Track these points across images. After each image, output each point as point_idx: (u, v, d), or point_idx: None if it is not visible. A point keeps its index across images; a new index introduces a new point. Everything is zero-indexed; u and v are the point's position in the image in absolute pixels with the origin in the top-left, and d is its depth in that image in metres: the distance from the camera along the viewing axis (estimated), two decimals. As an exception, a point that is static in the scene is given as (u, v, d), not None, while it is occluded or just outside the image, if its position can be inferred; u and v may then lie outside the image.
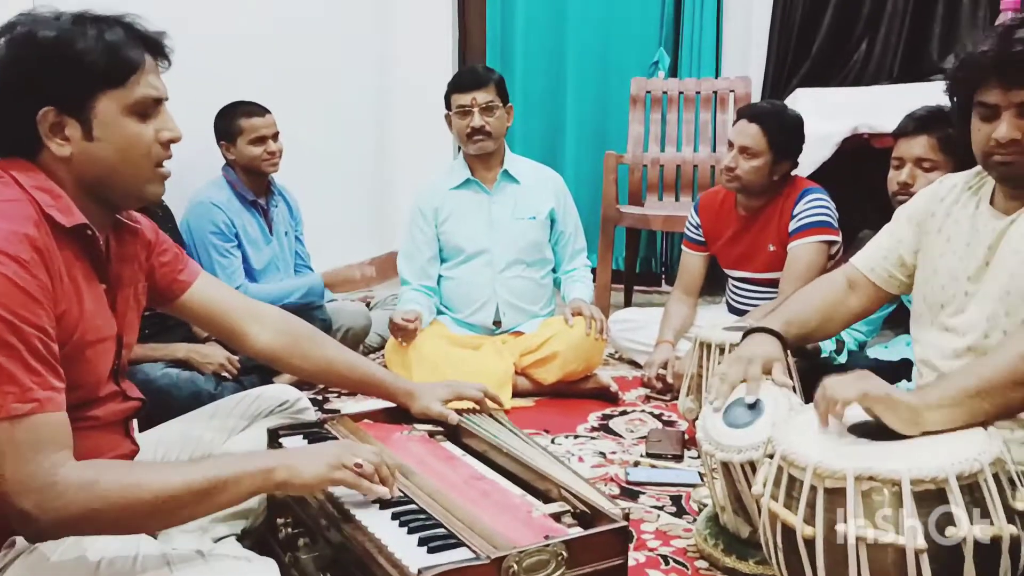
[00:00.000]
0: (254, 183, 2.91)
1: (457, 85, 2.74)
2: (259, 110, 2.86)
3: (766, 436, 1.45)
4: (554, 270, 2.93)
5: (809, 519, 1.21)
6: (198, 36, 2.94)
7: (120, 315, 1.26)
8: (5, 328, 1.00)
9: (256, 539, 1.49)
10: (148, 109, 1.17)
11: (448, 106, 2.76)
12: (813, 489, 1.20)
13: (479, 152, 2.73)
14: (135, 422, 1.38)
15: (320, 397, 2.63)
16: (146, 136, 1.17)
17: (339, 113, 4.10)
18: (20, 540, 1.11)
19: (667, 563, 1.65)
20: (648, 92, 3.89)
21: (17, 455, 0.99)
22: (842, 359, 2.36)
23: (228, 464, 1.13)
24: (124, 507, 1.03)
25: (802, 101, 3.34)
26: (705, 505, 1.81)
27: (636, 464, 2.13)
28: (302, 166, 3.32)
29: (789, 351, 1.75)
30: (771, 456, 1.31)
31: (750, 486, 1.49)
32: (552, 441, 2.31)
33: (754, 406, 1.56)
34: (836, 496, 1.18)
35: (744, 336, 1.71)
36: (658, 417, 2.50)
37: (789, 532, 1.24)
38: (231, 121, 2.83)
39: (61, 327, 1.10)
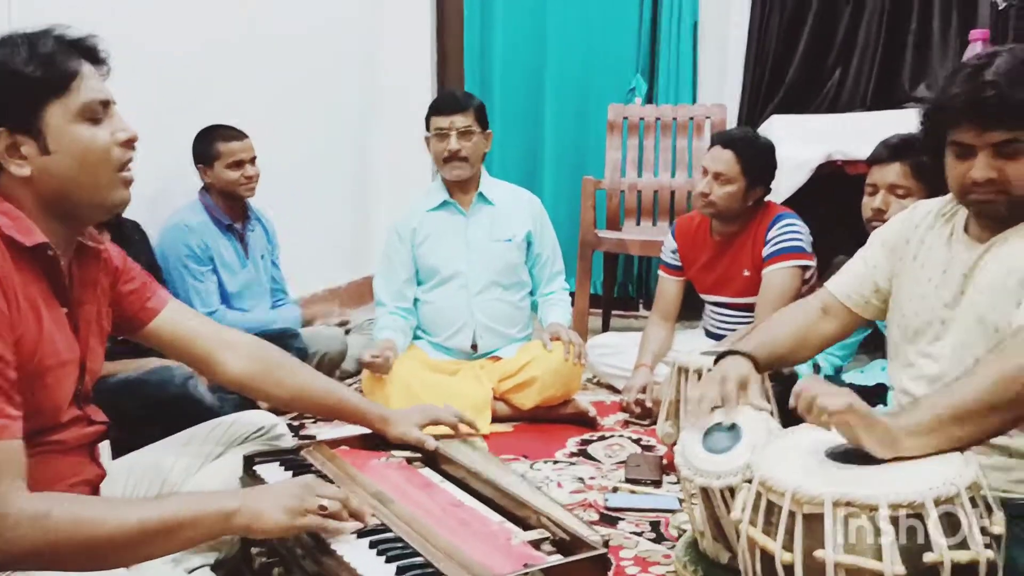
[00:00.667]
0: (230, 207, 2.90)
1: (437, 108, 2.75)
2: (237, 134, 2.86)
3: (745, 461, 1.46)
4: (531, 293, 2.93)
5: (788, 545, 1.21)
6: (176, 59, 2.95)
7: (83, 339, 1.24)
8: None
9: (230, 569, 1.47)
10: (97, 113, 1.16)
11: (427, 128, 2.77)
12: (792, 515, 1.20)
13: (456, 178, 2.74)
14: (103, 446, 1.35)
15: (296, 423, 2.60)
16: (101, 139, 1.16)
17: (317, 137, 4.09)
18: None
19: (646, 590, 1.64)
20: (625, 118, 3.93)
21: None
22: (818, 383, 2.37)
23: (187, 505, 1.10)
24: (76, 543, 1.00)
25: (777, 128, 3.39)
26: (684, 531, 1.80)
27: (615, 490, 2.12)
28: (279, 190, 3.31)
29: (766, 375, 1.76)
30: (750, 481, 1.31)
31: (729, 512, 1.49)
32: (531, 467, 2.29)
33: (733, 430, 1.57)
34: (815, 522, 1.18)
35: (716, 360, 1.72)
36: (637, 442, 2.50)
37: (768, 558, 1.23)
38: (209, 145, 2.83)
39: (19, 351, 1.07)
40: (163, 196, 2.85)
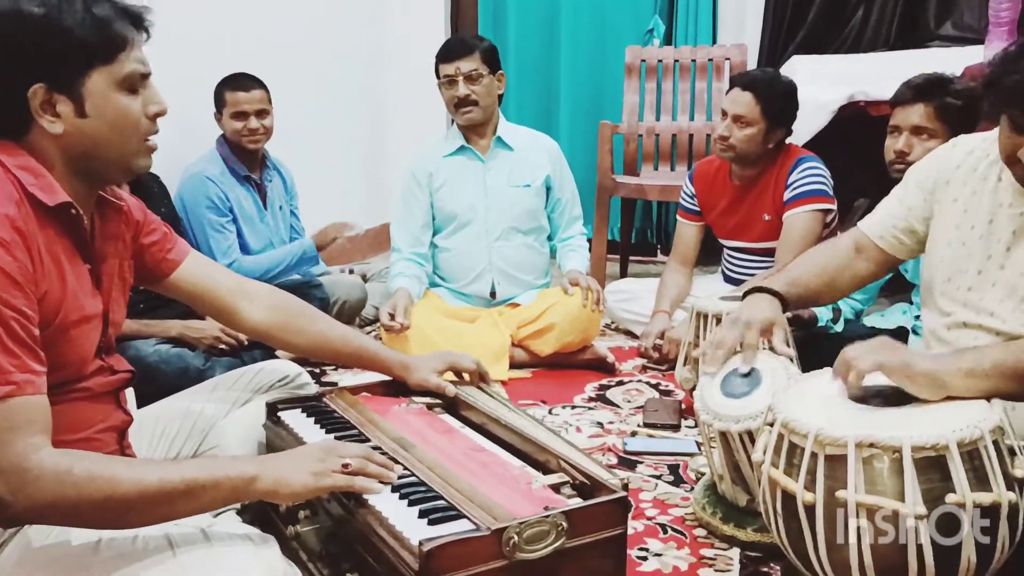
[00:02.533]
0: (244, 158, 2.88)
1: (442, 55, 2.71)
2: (246, 84, 2.81)
3: (764, 406, 1.46)
4: (550, 238, 2.92)
5: (809, 486, 1.21)
6: (191, 8, 2.91)
7: (105, 293, 1.25)
8: None
9: (256, 513, 1.49)
10: (136, 84, 1.16)
11: (437, 76, 2.73)
12: (814, 456, 1.21)
13: (468, 123, 2.71)
14: (128, 393, 1.37)
15: (317, 370, 2.62)
16: (135, 110, 1.16)
17: (331, 83, 4.05)
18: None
19: (665, 532, 1.66)
20: (643, 61, 3.86)
21: None
22: (838, 328, 2.36)
23: (209, 467, 1.11)
24: (95, 500, 1.01)
25: (798, 69, 3.33)
26: (703, 474, 1.82)
27: (633, 434, 2.13)
28: (295, 138, 3.29)
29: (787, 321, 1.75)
30: (771, 424, 1.31)
31: (748, 455, 1.50)
32: (549, 412, 2.31)
33: (751, 375, 1.57)
34: (837, 463, 1.18)
35: (744, 296, 1.70)
36: (655, 387, 2.51)
37: (789, 499, 1.24)
38: (220, 92, 2.81)
39: (43, 308, 1.08)
40: (181, 147, 2.83)
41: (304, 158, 3.43)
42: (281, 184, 3.08)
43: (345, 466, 1.17)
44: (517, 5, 4.40)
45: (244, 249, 2.85)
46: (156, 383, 2.03)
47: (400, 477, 1.24)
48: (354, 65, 4.29)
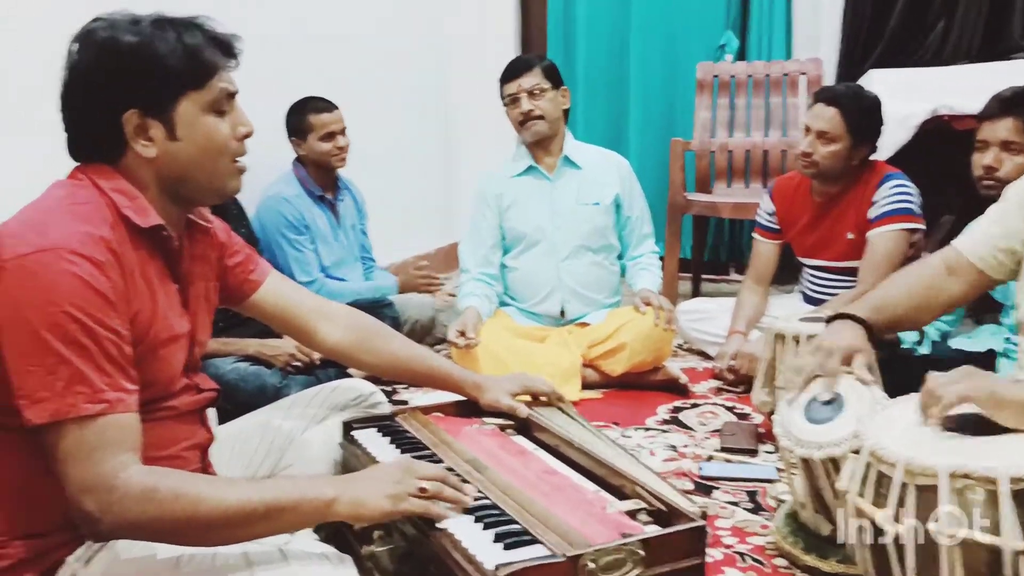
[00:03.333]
0: (322, 178, 2.95)
1: (504, 76, 2.74)
2: (327, 106, 2.89)
3: (848, 432, 1.41)
4: (620, 257, 2.89)
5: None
6: (264, 34, 2.99)
7: (192, 313, 1.28)
8: (79, 329, 1.01)
9: (331, 531, 1.50)
10: (223, 105, 1.19)
11: (503, 99, 2.75)
12: (904, 486, 1.16)
13: (534, 137, 2.71)
14: (211, 411, 1.40)
15: (389, 388, 2.64)
16: (224, 132, 1.19)
17: (403, 104, 4.11)
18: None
19: (744, 560, 1.61)
20: (715, 76, 3.82)
21: (85, 456, 1.00)
22: (924, 350, 2.28)
23: (289, 489, 1.11)
24: (178, 520, 1.02)
25: (877, 83, 3.24)
26: (783, 501, 1.76)
27: (709, 458, 2.09)
28: (366, 159, 3.34)
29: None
30: (857, 451, 1.26)
31: (832, 483, 1.45)
32: (622, 434, 2.28)
33: (835, 401, 1.51)
34: (928, 494, 1.13)
35: (828, 322, 1.65)
36: (731, 410, 2.45)
37: (877, 530, 1.19)
38: (302, 118, 2.87)
39: (135, 327, 1.11)
40: (256, 170, 2.89)
41: (376, 178, 3.48)
42: (352, 203, 3.13)
43: (422, 490, 1.16)
44: (586, 24, 4.40)
45: (319, 268, 2.91)
46: (234, 400, 2.07)
47: (474, 499, 1.23)
48: (424, 87, 4.35)
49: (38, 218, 1.07)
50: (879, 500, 1.20)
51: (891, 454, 1.18)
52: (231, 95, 1.20)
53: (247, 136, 1.22)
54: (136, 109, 1.12)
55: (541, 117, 2.68)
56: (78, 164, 1.18)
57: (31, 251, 1.02)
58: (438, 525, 1.16)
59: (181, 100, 1.14)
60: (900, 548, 1.16)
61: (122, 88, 1.12)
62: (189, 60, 1.14)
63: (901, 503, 1.16)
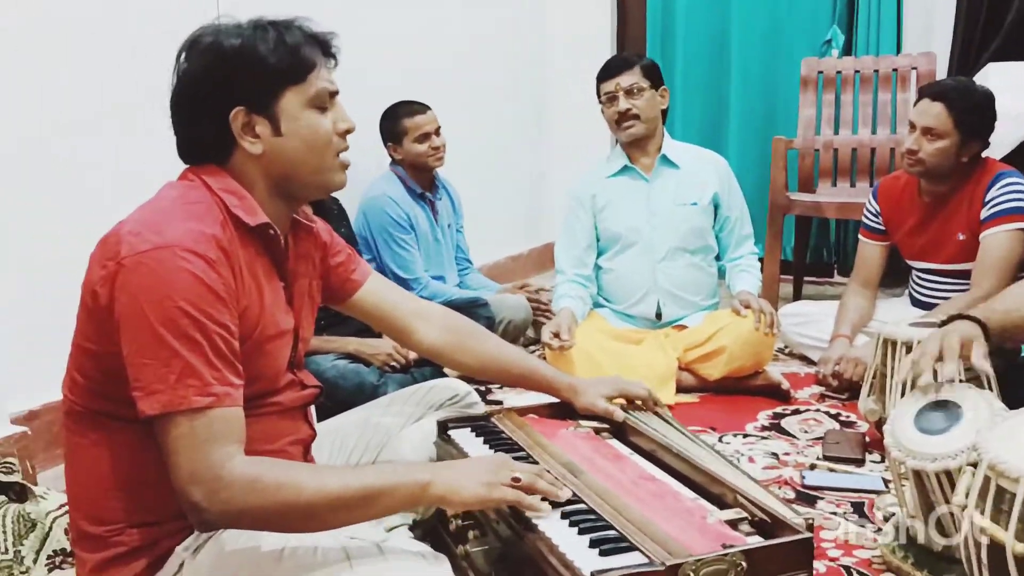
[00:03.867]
0: (420, 178, 2.99)
1: (601, 74, 2.71)
2: (420, 108, 2.93)
3: (964, 444, 1.34)
4: (718, 258, 2.83)
5: (1021, 535, 1.09)
6: (360, 36, 3.05)
7: (296, 310, 1.31)
8: (191, 324, 1.05)
9: (426, 530, 1.51)
10: (325, 102, 1.22)
11: (598, 96, 2.73)
12: (1027, 504, 1.09)
13: (630, 138, 2.68)
14: (312, 408, 1.43)
15: (483, 388, 2.65)
16: (326, 126, 1.22)
17: (496, 105, 4.13)
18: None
19: (850, 574, 1.55)
20: (820, 72, 3.69)
21: (194, 447, 1.03)
22: (1045, 359, 2.15)
23: (386, 474, 1.14)
24: (282, 507, 1.06)
25: (994, 77, 3.08)
26: (892, 514, 1.68)
27: (812, 467, 2.01)
28: (460, 159, 3.37)
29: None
30: (974, 465, 1.20)
31: (946, 497, 1.38)
32: (720, 439, 2.23)
33: (950, 410, 1.44)
34: (1053, 511, 1.06)
35: (943, 323, 1.58)
36: (835, 417, 2.36)
37: (997, 549, 1.12)
38: (396, 122, 2.91)
39: (243, 322, 1.14)
40: (353, 172, 2.95)
41: (469, 179, 3.51)
42: (449, 203, 3.17)
43: (516, 480, 1.17)
44: (686, 21, 4.33)
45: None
46: (334, 397, 2.12)
47: (569, 502, 1.22)
48: (518, 88, 4.36)
49: (154, 218, 1.12)
50: (999, 517, 1.13)
51: (1013, 468, 1.11)
52: (332, 93, 1.23)
53: (349, 132, 1.25)
54: (242, 107, 1.17)
55: (637, 117, 2.64)
56: (188, 166, 1.23)
57: (148, 248, 1.06)
58: (533, 521, 1.16)
59: (283, 95, 1.18)
60: (1022, 569, 1.09)
61: (228, 88, 1.16)
62: (289, 56, 1.18)
63: (1023, 521, 1.09)
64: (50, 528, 1.61)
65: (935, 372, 1.49)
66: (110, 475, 1.15)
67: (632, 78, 2.64)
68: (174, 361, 1.04)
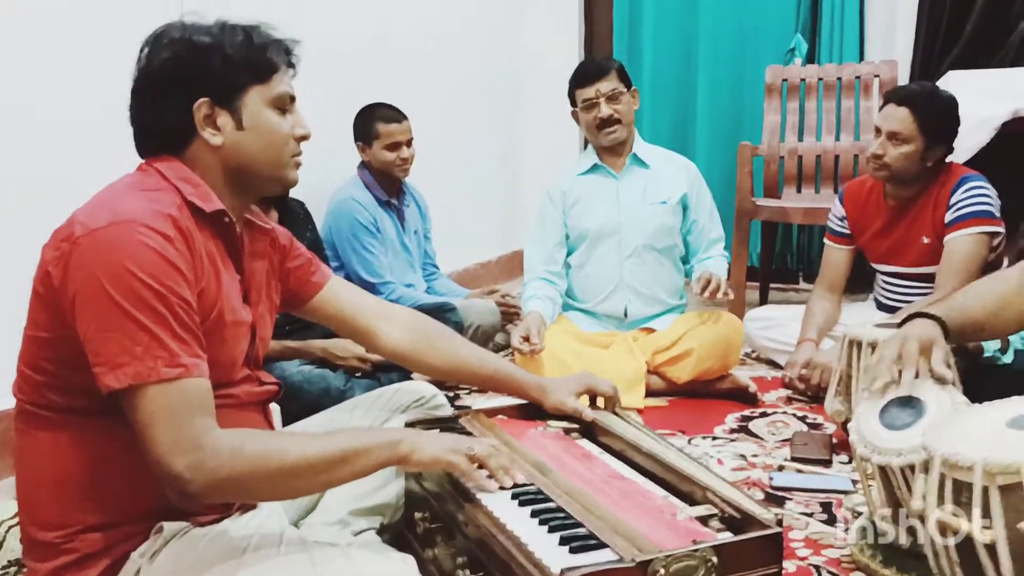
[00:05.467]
0: (387, 184, 2.97)
1: (579, 80, 2.70)
2: (397, 116, 2.90)
3: (931, 439, 1.35)
4: (685, 260, 2.83)
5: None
6: (336, 44, 3.03)
7: (253, 306, 1.30)
8: (154, 296, 1.04)
9: (394, 534, 1.49)
10: (285, 105, 1.24)
11: (573, 102, 2.72)
12: (985, 490, 1.10)
13: (614, 142, 2.68)
14: (274, 411, 1.41)
15: (451, 394, 2.63)
16: (285, 128, 1.24)
17: (465, 111, 4.12)
18: (168, 525, 1.14)
19: (820, 574, 1.55)
20: (784, 80, 3.74)
21: (171, 417, 1.02)
22: (1007, 359, 2.17)
23: (362, 436, 1.20)
24: (266, 472, 1.07)
25: (955, 84, 3.12)
26: (859, 513, 1.69)
27: (780, 468, 2.02)
28: (430, 166, 3.35)
29: (951, 348, 1.62)
30: (926, 466, 1.21)
31: (912, 492, 1.38)
32: (689, 442, 2.22)
33: (914, 406, 1.45)
34: (1012, 492, 1.08)
35: (902, 322, 1.59)
36: (802, 419, 2.37)
37: (966, 541, 1.13)
38: (369, 124, 2.89)
39: (201, 304, 1.13)
40: (323, 174, 2.94)
41: (439, 185, 3.49)
42: (416, 210, 3.15)
43: (471, 459, 1.23)
44: (653, 28, 4.36)
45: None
46: (300, 402, 2.09)
47: (539, 502, 1.20)
48: (487, 92, 4.35)
49: (107, 200, 1.11)
50: (961, 510, 1.14)
51: (965, 458, 1.13)
52: (292, 98, 1.26)
53: (304, 138, 1.28)
54: (206, 98, 1.17)
55: (619, 121, 2.65)
56: (143, 160, 1.23)
57: (104, 225, 1.05)
58: (502, 522, 1.14)
59: (248, 92, 1.20)
60: (994, 554, 1.10)
61: (194, 79, 1.17)
62: (256, 55, 1.20)
63: (985, 508, 1.10)
64: (3, 538, 1.56)
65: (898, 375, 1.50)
66: (63, 475, 1.12)
67: (611, 83, 2.64)
68: (139, 334, 1.02)
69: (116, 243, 1.04)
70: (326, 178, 2.96)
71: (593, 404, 1.63)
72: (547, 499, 1.22)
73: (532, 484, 1.25)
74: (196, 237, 1.14)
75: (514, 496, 1.22)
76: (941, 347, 1.50)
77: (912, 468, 1.38)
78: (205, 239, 1.17)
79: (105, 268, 1.03)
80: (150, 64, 1.18)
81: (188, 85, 1.17)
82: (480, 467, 1.25)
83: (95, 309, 1.03)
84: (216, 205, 1.19)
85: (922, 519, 1.23)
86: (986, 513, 1.10)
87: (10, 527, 1.56)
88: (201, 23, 1.21)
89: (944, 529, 1.17)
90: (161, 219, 1.08)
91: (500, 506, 1.20)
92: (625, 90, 2.66)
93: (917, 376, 1.47)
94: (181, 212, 1.13)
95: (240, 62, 1.19)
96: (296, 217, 2.58)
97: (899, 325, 1.61)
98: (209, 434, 1.04)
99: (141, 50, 1.20)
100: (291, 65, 1.27)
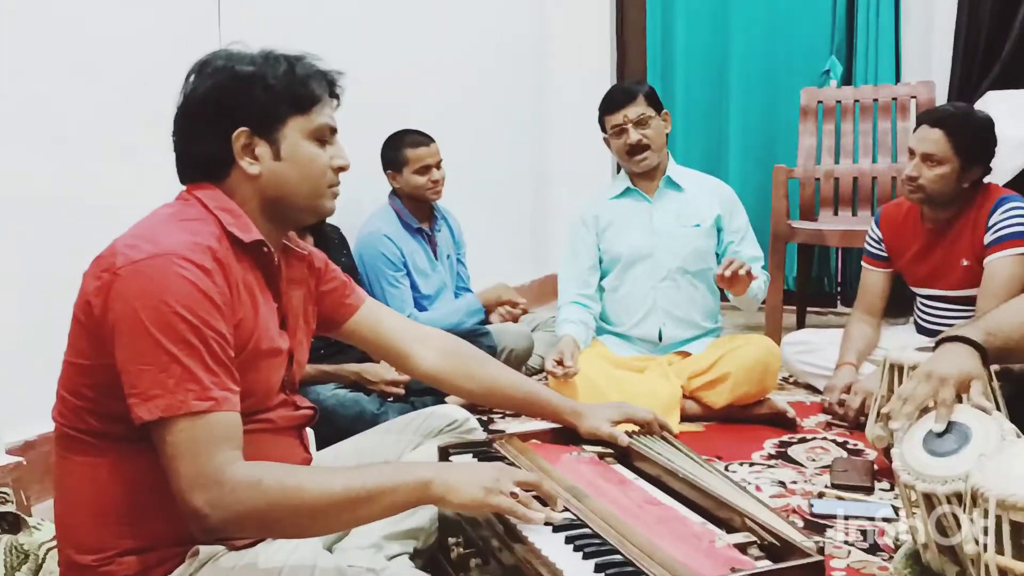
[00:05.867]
0: (419, 210, 2.98)
1: (606, 107, 2.70)
2: (424, 140, 2.92)
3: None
4: None
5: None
6: (366, 68, 3.06)
7: (291, 332, 1.30)
8: (188, 329, 1.04)
9: (427, 559, 1.48)
10: (325, 136, 1.25)
11: (603, 128, 2.72)
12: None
13: (645, 168, 2.68)
14: (309, 432, 1.41)
15: (484, 418, 2.62)
16: (323, 159, 1.25)
17: (496, 136, 4.14)
18: (204, 549, 1.14)
19: (862, 604, 1.51)
20: (820, 102, 3.71)
21: (194, 452, 1.02)
22: (1055, 384, 2.12)
23: (388, 473, 1.13)
24: (286, 508, 1.04)
25: (994, 104, 3.09)
26: (903, 542, 1.65)
27: (820, 495, 1.98)
28: (463, 190, 3.37)
29: (993, 374, 1.58)
30: (975, 504, 1.17)
31: (958, 523, 1.34)
32: (726, 468, 2.19)
33: (958, 431, 1.41)
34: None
35: (936, 345, 1.55)
36: (842, 445, 2.33)
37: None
38: (397, 151, 2.91)
39: (237, 336, 1.13)
40: (355, 202, 2.97)
41: (471, 210, 3.50)
42: (449, 233, 3.15)
43: (514, 495, 1.16)
44: (685, 53, 4.37)
45: (417, 301, 2.93)
46: (334, 425, 2.09)
47: (574, 528, 1.19)
48: (518, 117, 4.37)
49: (149, 231, 1.12)
50: (1021, 554, 1.10)
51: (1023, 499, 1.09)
52: (332, 130, 1.27)
53: (343, 169, 1.28)
54: (246, 128, 1.19)
55: (648, 147, 2.64)
56: (185, 187, 1.24)
57: (144, 257, 1.06)
58: (537, 548, 1.13)
59: (287, 123, 1.21)
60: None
61: (235, 108, 1.19)
62: (297, 86, 1.21)
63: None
64: (43, 559, 1.57)
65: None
66: (100, 500, 1.13)
67: (639, 108, 2.63)
68: (172, 366, 1.03)
69: (155, 275, 1.05)
70: (361, 203, 2.98)
71: (639, 430, 1.61)
72: (582, 525, 1.20)
73: (567, 510, 1.23)
74: (234, 268, 1.15)
75: (548, 522, 1.21)
76: (979, 379, 1.46)
77: (958, 496, 1.34)
78: (243, 269, 1.18)
79: (143, 300, 1.04)
80: (194, 92, 1.20)
81: (228, 114, 1.19)
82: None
83: (131, 341, 1.04)
84: (255, 236, 1.20)
85: (973, 561, 1.19)
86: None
87: (49, 549, 1.58)
88: (245, 52, 1.23)
89: (1004, 574, 1.13)
90: (200, 252, 1.09)
91: (535, 532, 1.19)
92: (655, 114, 2.65)
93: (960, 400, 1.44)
94: (220, 243, 1.14)
95: (281, 93, 1.20)
96: (331, 242, 2.61)
97: (935, 346, 1.57)
98: (230, 467, 1.03)
99: (187, 78, 1.22)
100: (334, 95, 1.27)
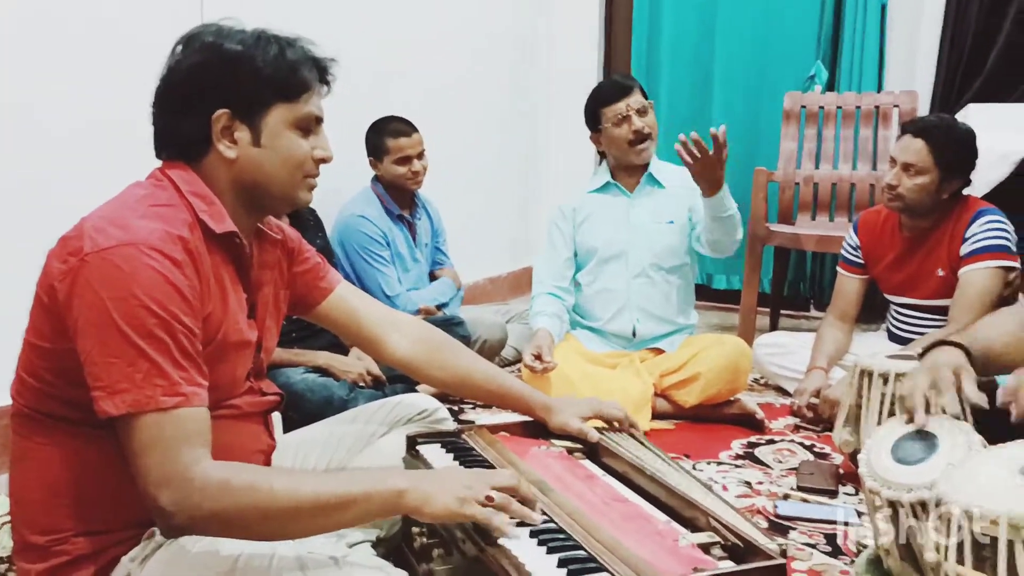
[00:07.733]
0: (400, 197, 2.97)
1: (607, 96, 2.67)
2: (407, 129, 2.90)
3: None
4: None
5: (1012, 572, 1.07)
6: (354, 54, 3.02)
7: (260, 320, 1.28)
8: (157, 323, 1.01)
9: (390, 548, 1.47)
10: (310, 126, 1.21)
11: (595, 123, 2.69)
12: (1011, 544, 1.06)
13: (646, 159, 2.67)
14: (276, 417, 1.39)
15: (455, 408, 2.61)
16: (304, 150, 1.20)
17: (481, 127, 4.13)
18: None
19: (822, 607, 1.52)
20: (803, 107, 3.72)
21: (162, 449, 0.99)
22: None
23: (360, 481, 1.09)
24: (254, 511, 1.01)
25: (975, 117, 3.11)
26: (865, 546, 1.66)
27: (786, 497, 1.99)
28: (447, 180, 3.35)
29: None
30: (938, 508, 1.18)
31: (922, 537, 1.35)
32: (694, 467, 2.19)
33: (928, 440, 1.42)
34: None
35: (924, 351, 1.56)
36: (809, 448, 2.34)
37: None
38: (380, 139, 2.89)
39: (206, 327, 1.11)
40: (337, 183, 2.93)
41: (452, 199, 3.49)
42: (428, 222, 3.14)
43: (489, 498, 1.12)
44: (671, 52, 4.36)
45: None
46: (302, 410, 2.07)
47: (541, 522, 1.18)
48: (505, 110, 4.36)
49: (119, 214, 1.08)
50: (982, 565, 1.10)
51: (988, 511, 1.09)
52: (318, 119, 1.22)
53: (324, 161, 1.24)
54: (227, 110, 1.15)
55: (650, 136, 2.64)
56: (160, 163, 1.20)
57: (113, 245, 1.03)
58: (499, 541, 1.12)
59: (271, 110, 1.17)
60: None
61: (218, 88, 1.14)
62: (286, 72, 1.17)
63: (1012, 565, 1.06)
64: (-2, 534, 1.55)
65: (928, 405, 1.47)
66: (57, 481, 1.11)
67: (639, 98, 2.63)
68: (140, 360, 1.00)
69: (124, 266, 1.02)
70: (339, 185, 2.95)
71: (609, 427, 1.60)
72: (547, 519, 1.19)
73: (549, 521, 1.19)
74: (205, 259, 1.12)
75: (525, 523, 1.19)
76: (971, 373, 1.47)
77: (923, 505, 1.35)
78: (214, 259, 1.15)
79: (111, 291, 1.01)
80: (178, 66, 1.16)
81: (210, 94, 1.14)
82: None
83: (98, 332, 1.00)
84: (227, 227, 1.16)
85: (934, 569, 1.19)
86: (1012, 569, 1.06)
87: (4, 523, 1.55)
88: (237, 29, 1.18)
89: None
90: (171, 242, 1.06)
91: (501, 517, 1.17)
92: (650, 105, 2.65)
93: (929, 412, 1.45)
94: (192, 232, 1.11)
95: (268, 78, 1.15)
96: (307, 224, 2.58)
97: (921, 355, 1.58)
98: (198, 466, 1.00)
99: (173, 49, 1.17)
100: (324, 82, 1.23)
